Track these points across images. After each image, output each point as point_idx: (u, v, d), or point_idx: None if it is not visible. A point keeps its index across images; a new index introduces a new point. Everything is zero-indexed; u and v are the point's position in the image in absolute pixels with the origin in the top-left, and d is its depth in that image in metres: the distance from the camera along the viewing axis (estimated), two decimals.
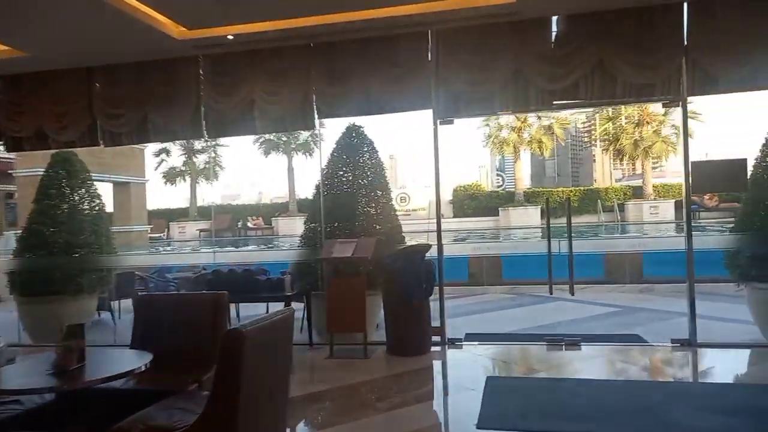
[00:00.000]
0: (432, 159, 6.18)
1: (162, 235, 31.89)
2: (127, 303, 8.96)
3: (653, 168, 32.97)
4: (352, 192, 6.69)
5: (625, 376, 4.83)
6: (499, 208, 28.31)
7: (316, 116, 6.15)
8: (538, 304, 9.26)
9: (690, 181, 5.57)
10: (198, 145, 33.72)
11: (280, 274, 7.12)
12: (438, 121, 6.01)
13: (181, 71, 6.21)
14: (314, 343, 6.18)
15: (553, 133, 28.62)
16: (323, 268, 6.13)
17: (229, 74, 6.09)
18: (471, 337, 6.20)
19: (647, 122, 27.92)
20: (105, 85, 6.43)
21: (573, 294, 6.41)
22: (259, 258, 7.27)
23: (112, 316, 8.86)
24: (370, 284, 5.96)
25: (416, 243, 5.64)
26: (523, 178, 29.73)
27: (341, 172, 6.87)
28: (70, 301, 7.27)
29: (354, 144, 6.92)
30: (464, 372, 5.07)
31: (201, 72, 6.20)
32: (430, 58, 5.79)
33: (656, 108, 27.97)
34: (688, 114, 5.58)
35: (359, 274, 5.61)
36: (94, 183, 8.18)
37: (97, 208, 7.93)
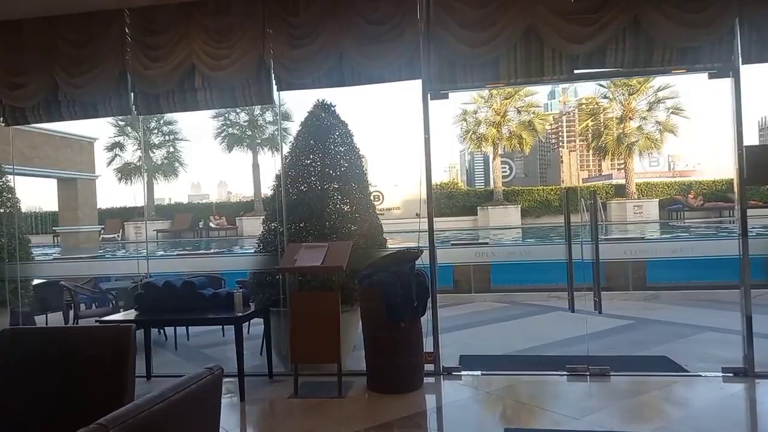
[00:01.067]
0: (416, 145, 5.06)
1: (116, 236, 30.05)
2: (56, 317, 7.74)
3: (619, 168, 32.66)
4: (322, 185, 5.54)
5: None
6: (478, 208, 27.45)
7: (274, 87, 4.96)
8: (536, 315, 8.25)
9: (743, 171, 4.57)
10: (155, 138, 31.98)
11: (236, 285, 5.95)
12: (429, 95, 4.89)
13: (100, 28, 4.93)
14: (275, 374, 5.01)
15: (533, 128, 27.88)
16: (285, 279, 4.96)
17: (162, 31, 4.84)
18: (469, 362, 5.11)
19: (630, 118, 27.43)
20: (4, 47, 5.10)
21: (600, 312, 5.35)
22: (217, 266, 5.94)
23: None
24: (345, 298, 4.83)
25: (403, 248, 4.50)
26: (496, 178, 28.92)
27: (308, 161, 5.70)
28: None
29: (324, 126, 5.75)
30: (470, 418, 3.95)
31: (126, 29, 4.94)
32: (419, 13, 4.67)
33: (639, 104, 27.55)
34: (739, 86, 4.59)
35: (332, 289, 4.45)
36: (5, 174, 6.83)
37: (8, 204, 6.60)
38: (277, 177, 5.72)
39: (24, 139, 20.30)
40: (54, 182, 23.73)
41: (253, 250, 5.81)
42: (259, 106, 29.84)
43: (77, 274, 6.67)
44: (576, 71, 4.62)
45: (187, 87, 4.96)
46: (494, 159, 28.52)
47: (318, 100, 5.87)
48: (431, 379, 4.70)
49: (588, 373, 4.66)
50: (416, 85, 4.88)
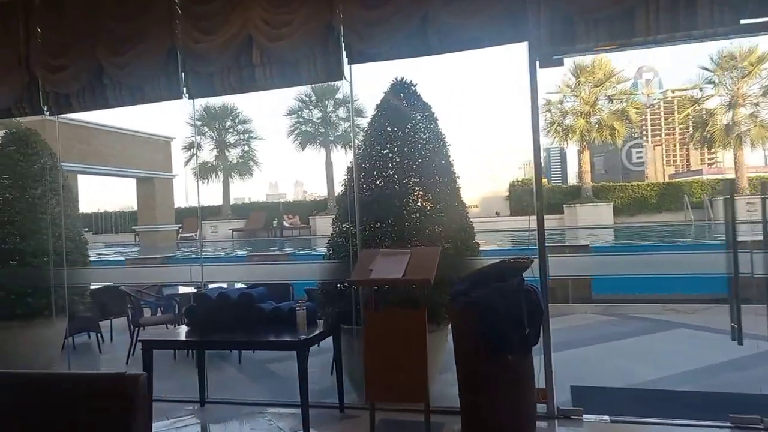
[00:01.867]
0: (494, 133, 4.10)
1: (194, 235, 30.80)
2: (119, 322, 7.42)
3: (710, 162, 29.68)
4: (401, 179, 4.70)
5: None
6: (564, 205, 25.71)
7: (344, 59, 4.16)
8: (654, 333, 7.02)
9: None
10: (230, 138, 32.50)
11: (303, 295, 5.24)
12: (537, 62, 3.91)
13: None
14: (347, 406, 4.22)
15: (627, 118, 25.73)
16: (358, 293, 4.15)
17: None
18: (584, 396, 4.09)
19: (740, 104, 24.71)
20: (45, 25, 4.63)
21: (741, 343, 4.14)
22: (280, 275, 5.21)
23: (97, 339, 7.26)
24: (431, 314, 3.95)
25: (510, 258, 3.54)
26: (584, 173, 26.97)
27: (384, 151, 4.87)
28: (17, 328, 5.56)
29: (403, 110, 4.91)
30: None
31: None
32: None
33: (751, 89, 24.77)
34: None
35: (417, 308, 3.58)
36: (64, 171, 6.51)
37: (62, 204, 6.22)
38: (349, 170, 4.94)
39: (101, 138, 20.96)
40: (133, 182, 24.50)
41: (324, 251, 5.06)
42: (332, 101, 29.62)
43: (118, 282, 6.19)
44: (743, 21, 3.48)
45: (243, 63, 4.26)
46: (582, 152, 26.58)
47: (395, 79, 5.02)
48: (543, 424, 3.73)
49: (762, 427, 3.51)
50: (498, 56, 3.91)
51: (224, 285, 5.64)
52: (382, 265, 3.63)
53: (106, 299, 7.25)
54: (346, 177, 5.00)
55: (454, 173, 4.93)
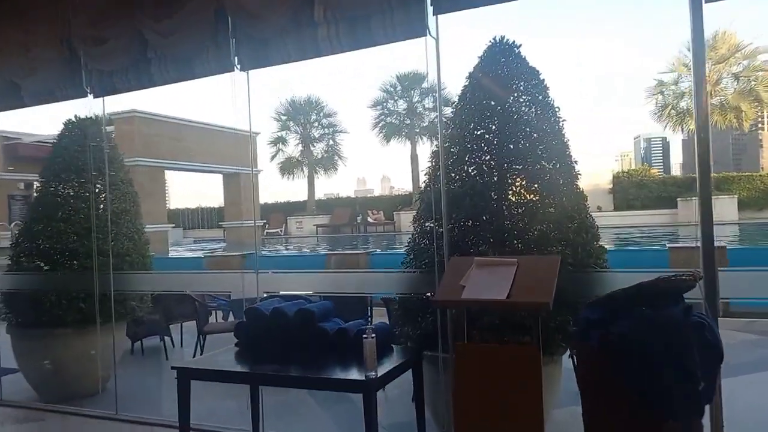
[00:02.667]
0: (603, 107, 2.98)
1: (279, 230, 31.18)
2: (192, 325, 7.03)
3: None
4: (500, 165, 3.76)
5: None
6: (678, 199, 23.25)
7: (429, 8, 3.27)
8: None
9: None
10: (315, 132, 32.56)
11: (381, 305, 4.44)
12: None
13: None
14: None
15: (757, 98, 22.78)
16: (447, 314, 3.25)
17: None
18: None
19: None
20: None
21: None
22: (347, 286, 4.33)
23: (163, 344, 6.92)
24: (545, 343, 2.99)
25: (672, 274, 2.47)
26: (677, 167, 24.25)
27: (479, 131, 3.94)
28: (72, 335, 5.18)
29: (503, 78, 3.95)
30: None
31: None
32: None
33: None
34: None
35: (524, 336, 2.63)
36: (126, 165, 6.10)
37: (127, 200, 5.81)
38: (434, 154, 4.05)
39: (190, 133, 21.41)
40: (219, 178, 24.94)
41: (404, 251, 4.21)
42: (418, 90, 28.75)
43: (159, 290, 5.65)
44: None
45: (304, 21, 3.48)
46: None
47: (494, 39, 4.06)
48: None
49: None
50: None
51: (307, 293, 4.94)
52: (479, 279, 2.71)
53: (171, 303, 6.87)
54: (430, 164, 4.13)
55: (571, 157, 3.90)
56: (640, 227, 21.05)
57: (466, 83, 4.08)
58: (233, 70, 3.82)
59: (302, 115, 32.21)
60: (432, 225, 3.89)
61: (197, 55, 3.84)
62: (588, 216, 3.76)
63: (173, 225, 22.73)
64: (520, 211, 3.74)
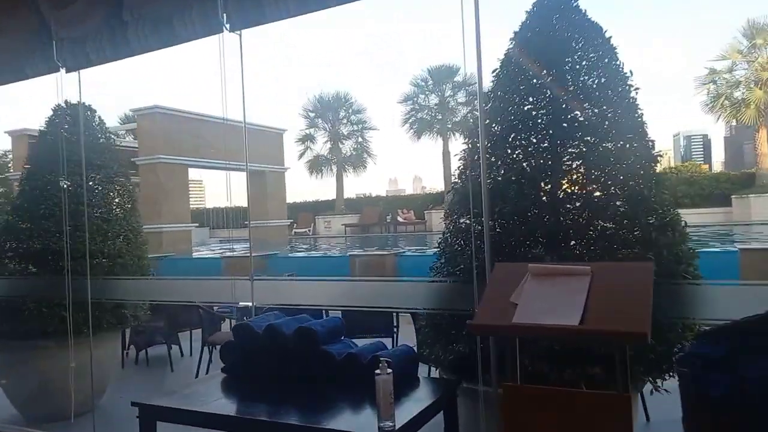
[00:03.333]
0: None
1: (307, 230, 30.69)
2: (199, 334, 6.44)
3: None
4: (553, 148, 3.02)
5: None
6: (733, 196, 21.84)
7: None
8: None
9: None
10: (344, 129, 31.96)
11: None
12: None
13: None
14: None
15: None
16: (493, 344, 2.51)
17: None
18: None
19: None
20: None
21: None
22: (364, 298, 3.56)
23: (169, 354, 6.37)
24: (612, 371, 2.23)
25: None
26: (762, 156, 22.75)
27: (526, 106, 3.21)
28: (55, 348, 4.60)
29: (558, 38, 3.21)
30: None
31: None
32: None
33: None
34: None
35: (598, 377, 1.88)
36: (120, 157, 5.54)
37: (123, 195, 5.24)
38: (471, 135, 3.32)
39: (212, 129, 20.99)
40: (243, 176, 24.43)
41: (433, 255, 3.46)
42: (450, 84, 27.88)
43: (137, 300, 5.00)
44: None
45: None
46: (759, 131, 22.31)
47: None
48: None
49: None
50: None
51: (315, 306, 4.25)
52: (537, 295, 1.96)
53: (177, 310, 6.29)
54: (465, 149, 3.39)
55: (646, 135, 3.11)
56: (694, 227, 19.76)
57: (510, 45, 3.34)
58: (222, 31, 3.15)
59: (330, 112, 31.68)
60: (468, 221, 3.16)
61: (179, 13, 3.18)
62: (672, 210, 2.96)
63: (197, 224, 22.34)
64: (577, 204, 2.99)
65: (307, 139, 32.26)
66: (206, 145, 20.16)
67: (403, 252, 9.73)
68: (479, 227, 2.89)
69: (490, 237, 2.77)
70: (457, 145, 28.72)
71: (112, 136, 5.48)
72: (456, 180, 3.37)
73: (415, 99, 29.03)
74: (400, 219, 28.19)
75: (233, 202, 32.04)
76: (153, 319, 6.17)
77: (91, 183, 4.93)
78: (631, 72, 3.18)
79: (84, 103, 5.41)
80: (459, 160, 3.47)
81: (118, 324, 5.00)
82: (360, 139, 32.05)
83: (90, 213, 4.85)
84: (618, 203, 2.98)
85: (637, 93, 3.13)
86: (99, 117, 5.46)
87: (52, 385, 4.55)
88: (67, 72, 3.73)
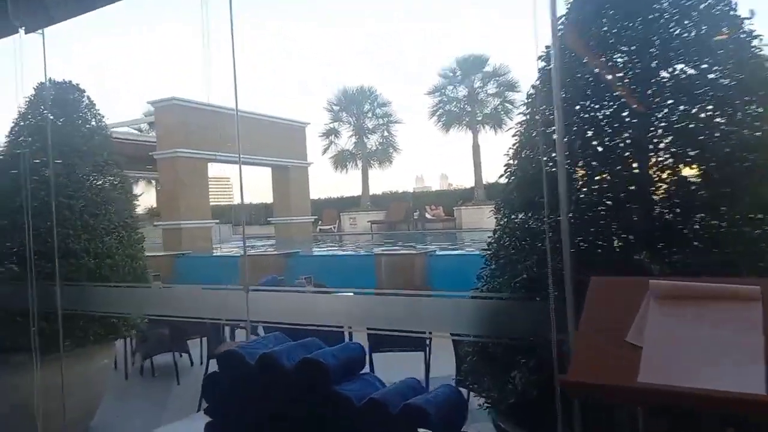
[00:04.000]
0: None
1: (332, 227, 30.05)
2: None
3: None
4: (644, 120, 2.27)
5: None
6: None
7: None
8: None
9: None
10: (369, 123, 31.26)
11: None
12: None
13: None
14: None
15: None
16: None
17: None
18: None
19: None
20: None
21: None
22: (383, 318, 2.78)
23: (175, 366, 5.78)
24: None
25: None
26: None
27: (615, 53, 2.45)
28: (30, 364, 3.99)
29: None
30: None
31: None
32: None
33: None
34: None
35: None
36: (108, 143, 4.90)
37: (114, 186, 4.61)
38: (530, 99, 2.56)
39: (233, 122, 20.26)
40: (268, 171, 23.91)
41: (470, 245, 2.69)
42: (480, 75, 26.96)
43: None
44: None
45: None
46: None
47: None
48: None
49: None
50: None
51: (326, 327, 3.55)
52: (671, 331, 1.21)
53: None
54: (523, 120, 2.64)
55: None
56: None
57: None
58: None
59: (355, 105, 30.98)
60: (524, 217, 2.41)
61: None
62: None
63: (217, 221, 21.80)
64: (681, 193, 2.23)
65: (331, 133, 31.66)
66: (227, 138, 19.66)
67: (434, 251, 8.97)
68: (550, 220, 2.13)
69: (571, 240, 2.01)
70: (488, 138, 27.74)
71: (104, 120, 4.84)
72: (510, 161, 2.62)
73: (443, 90, 28.16)
74: (428, 215, 27.38)
75: (257, 199, 31.57)
76: (158, 326, 5.60)
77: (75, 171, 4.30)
78: (751, 14, 2.38)
79: (71, 82, 4.85)
80: (513, 136, 2.72)
81: (108, 335, 4.37)
82: (386, 133, 31.31)
83: (74, 206, 4.24)
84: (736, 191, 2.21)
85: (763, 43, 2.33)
86: (88, 98, 4.85)
87: (24, 409, 3.94)
88: (26, 33, 3.08)
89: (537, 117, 2.51)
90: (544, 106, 2.35)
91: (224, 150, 19.69)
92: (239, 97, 3.07)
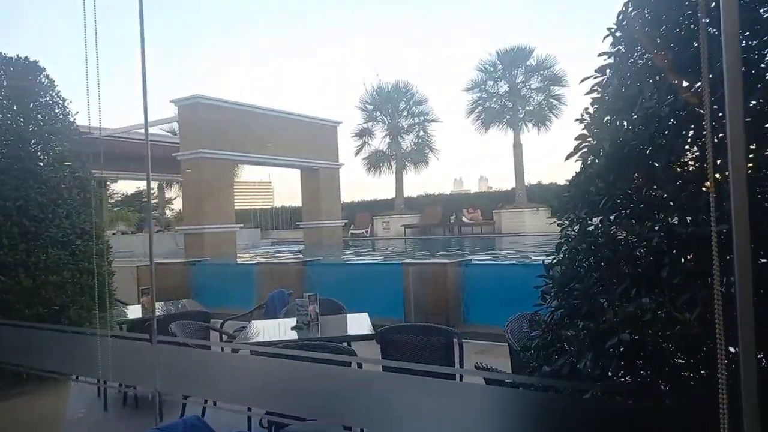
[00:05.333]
0: None
1: (365, 231, 29.12)
2: None
3: None
4: None
5: None
6: None
7: None
8: None
9: None
10: (404, 122, 30.22)
11: None
12: None
13: None
14: None
15: None
16: None
17: None
18: None
19: None
20: None
21: None
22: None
23: (158, 396, 4.80)
24: None
25: None
26: None
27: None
28: None
29: None
30: None
31: None
32: None
33: None
34: None
35: None
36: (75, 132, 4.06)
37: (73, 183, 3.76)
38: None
39: (260, 122, 19.55)
40: (297, 173, 22.97)
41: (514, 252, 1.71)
42: (522, 69, 25.67)
43: None
44: None
45: None
46: None
47: None
48: None
49: None
50: None
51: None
52: None
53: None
54: (595, 99, 1.61)
55: None
56: None
57: None
58: None
59: (390, 104, 29.96)
60: (601, 222, 1.40)
61: None
62: None
63: (241, 225, 21.10)
64: None
65: (364, 133, 30.78)
66: (256, 139, 18.87)
67: (469, 260, 7.91)
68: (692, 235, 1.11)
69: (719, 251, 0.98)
70: (530, 136, 26.42)
71: (67, 102, 4.00)
72: (590, 127, 1.60)
73: (483, 86, 26.91)
74: (465, 219, 26.20)
75: (295, 202, 30.71)
76: None
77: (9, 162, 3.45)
78: None
79: (27, 57, 4.04)
80: (578, 118, 1.70)
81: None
82: (421, 133, 30.23)
83: (9, 207, 3.40)
84: None
85: None
86: (47, 76, 4.03)
87: None
88: None
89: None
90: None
91: (250, 151, 19.05)
92: (266, 95, 2.06)
